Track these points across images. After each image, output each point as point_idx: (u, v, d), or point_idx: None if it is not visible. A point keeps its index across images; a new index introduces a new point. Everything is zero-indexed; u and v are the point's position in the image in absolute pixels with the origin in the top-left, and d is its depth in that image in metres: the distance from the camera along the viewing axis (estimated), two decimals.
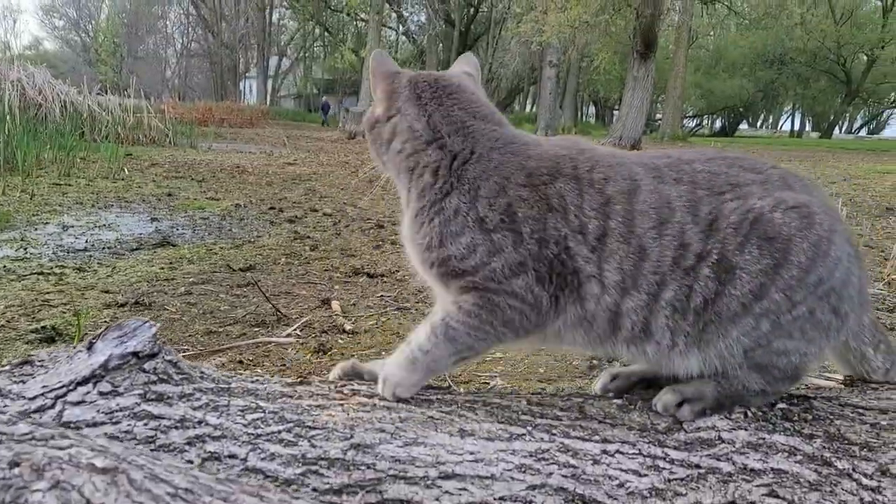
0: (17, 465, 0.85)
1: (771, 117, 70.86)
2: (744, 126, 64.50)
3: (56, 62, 54.03)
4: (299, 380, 1.35)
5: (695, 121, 60.64)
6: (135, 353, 1.22)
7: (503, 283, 1.40)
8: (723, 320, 1.37)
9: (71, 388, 1.17)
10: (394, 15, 45.04)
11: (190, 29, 62.98)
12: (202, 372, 1.30)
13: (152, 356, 1.26)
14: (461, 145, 1.50)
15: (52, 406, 1.16)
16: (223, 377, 1.30)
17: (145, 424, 1.16)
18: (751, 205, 1.37)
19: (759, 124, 70.87)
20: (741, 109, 54.94)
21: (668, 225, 1.39)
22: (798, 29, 31.47)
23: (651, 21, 19.24)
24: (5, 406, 1.14)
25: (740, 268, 1.35)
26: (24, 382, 1.18)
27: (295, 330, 3.12)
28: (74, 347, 1.26)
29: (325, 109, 37.01)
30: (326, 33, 49.42)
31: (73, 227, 5.42)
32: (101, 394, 1.17)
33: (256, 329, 3.16)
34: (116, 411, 1.17)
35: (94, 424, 1.15)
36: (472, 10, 41.20)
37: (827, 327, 1.39)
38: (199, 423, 1.17)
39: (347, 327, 3.17)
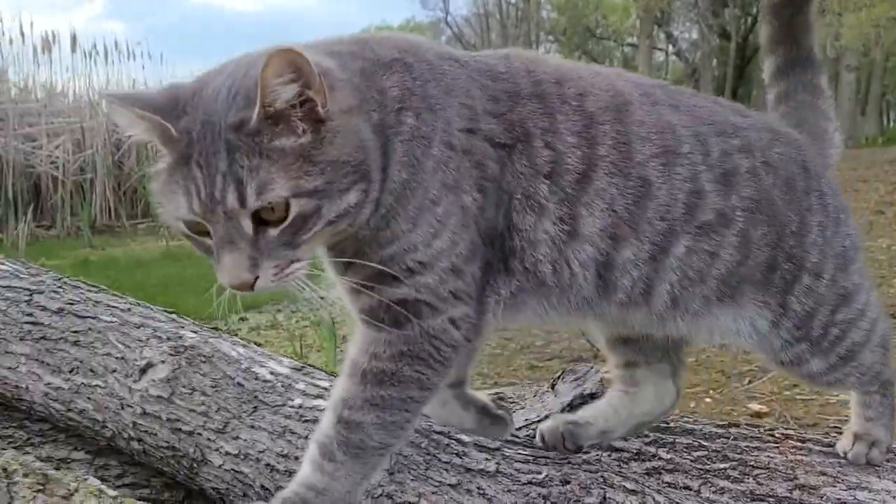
0: (568, 482, 1.14)
1: None
2: None
3: None
4: (727, 423, 1.53)
5: None
6: (591, 395, 1.50)
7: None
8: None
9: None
10: (662, 35, 44.18)
11: None
12: None
13: (595, 395, 1.53)
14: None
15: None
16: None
17: None
18: (763, 157, 1.16)
19: None
20: None
21: (677, 157, 1.09)
22: None
23: None
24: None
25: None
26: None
27: None
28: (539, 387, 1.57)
29: None
30: (592, 62, 49.89)
31: None
32: None
33: (574, 364, 3.33)
34: None
35: None
36: (749, 19, 38.98)
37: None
38: (653, 457, 1.39)
39: None
